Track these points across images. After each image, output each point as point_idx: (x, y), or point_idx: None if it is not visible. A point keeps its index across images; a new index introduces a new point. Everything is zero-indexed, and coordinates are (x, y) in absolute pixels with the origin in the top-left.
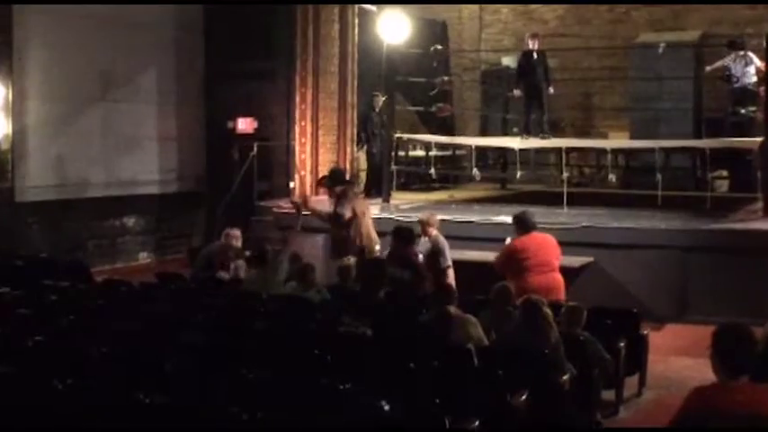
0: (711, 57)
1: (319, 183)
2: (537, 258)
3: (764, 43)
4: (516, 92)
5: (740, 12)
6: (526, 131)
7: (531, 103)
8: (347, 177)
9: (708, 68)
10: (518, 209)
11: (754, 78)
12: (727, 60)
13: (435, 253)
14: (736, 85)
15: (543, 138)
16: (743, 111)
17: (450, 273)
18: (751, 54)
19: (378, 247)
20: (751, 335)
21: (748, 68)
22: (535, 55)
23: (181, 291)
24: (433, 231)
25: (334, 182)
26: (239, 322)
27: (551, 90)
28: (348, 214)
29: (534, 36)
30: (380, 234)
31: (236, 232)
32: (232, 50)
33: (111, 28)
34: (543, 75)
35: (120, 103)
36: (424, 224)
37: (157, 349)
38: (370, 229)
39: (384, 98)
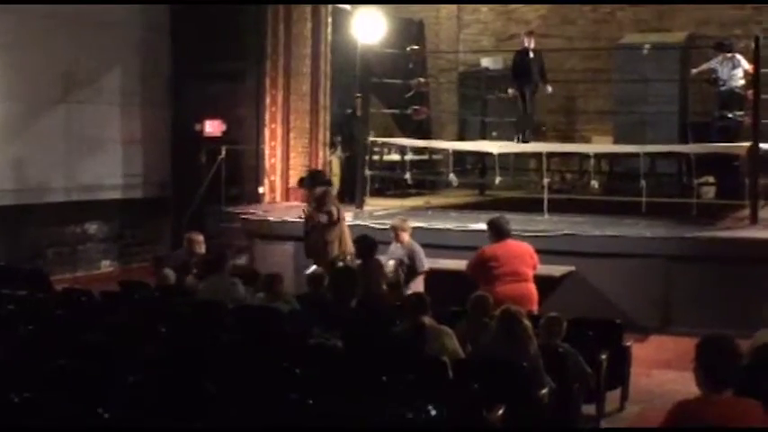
0: (698, 58)
1: (299, 184)
2: (507, 267)
3: (752, 45)
4: (510, 91)
5: (727, 12)
6: (522, 133)
7: (527, 104)
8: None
9: (694, 71)
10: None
11: (742, 81)
12: (714, 63)
13: (411, 260)
14: (723, 89)
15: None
16: (730, 115)
17: (421, 280)
18: (739, 56)
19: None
20: (735, 347)
21: (735, 71)
22: (531, 54)
23: (144, 300)
24: (406, 237)
25: (315, 183)
26: (205, 334)
27: (549, 89)
28: (335, 215)
29: (529, 34)
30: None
31: (199, 237)
32: (199, 50)
33: (74, 27)
34: (539, 74)
35: (82, 105)
36: (396, 230)
37: (119, 362)
38: (346, 234)
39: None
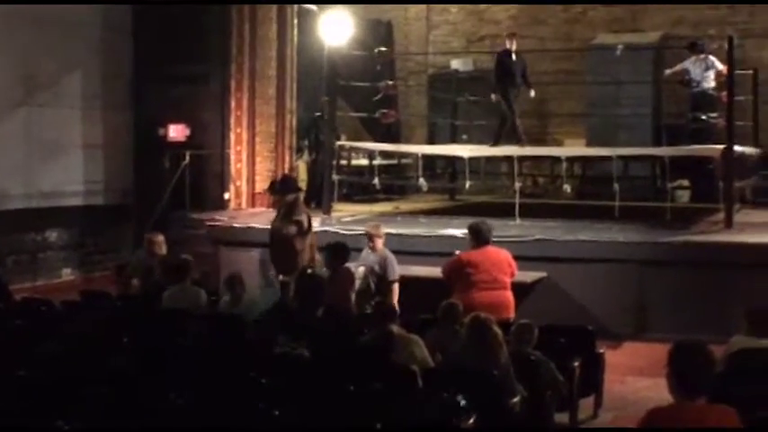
0: (672, 59)
1: (269, 190)
2: (484, 274)
3: (726, 46)
4: (494, 96)
5: (702, 13)
6: (516, 138)
7: (512, 107)
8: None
9: (667, 72)
10: (467, 221)
11: (713, 83)
12: (687, 63)
13: (382, 268)
14: (696, 90)
15: (492, 145)
16: (703, 117)
17: (396, 288)
18: (712, 58)
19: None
20: (709, 353)
21: (708, 73)
22: (513, 56)
23: (106, 310)
24: (380, 244)
25: (286, 190)
26: (167, 343)
27: (532, 93)
28: (305, 225)
29: (511, 36)
30: (318, 248)
31: (159, 237)
32: (162, 52)
33: (34, 29)
34: (522, 77)
35: (42, 108)
36: (371, 236)
37: (79, 373)
38: (314, 243)
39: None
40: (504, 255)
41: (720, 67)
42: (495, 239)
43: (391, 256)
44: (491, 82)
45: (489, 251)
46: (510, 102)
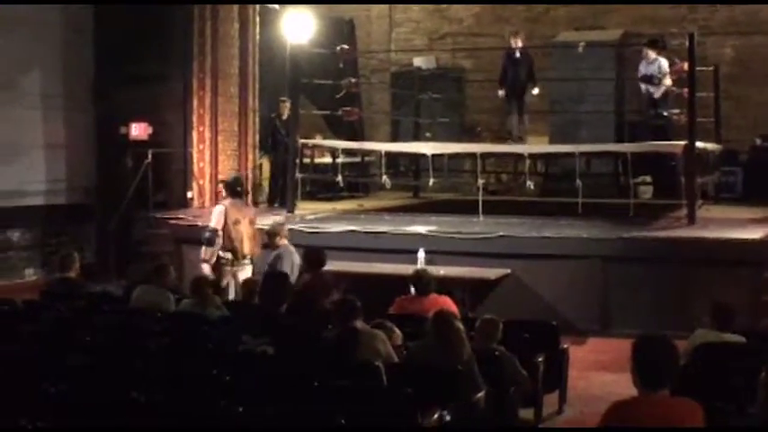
0: (633, 56)
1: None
2: None
3: (687, 43)
4: (500, 92)
5: (661, 11)
6: (508, 133)
7: (512, 104)
8: (234, 187)
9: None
10: (431, 218)
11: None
12: (641, 67)
13: (272, 266)
14: (652, 89)
15: (519, 142)
16: (665, 113)
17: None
18: (661, 59)
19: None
20: (671, 346)
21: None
22: (518, 54)
23: (68, 309)
24: (283, 242)
25: (234, 193)
26: (130, 342)
27: (536, 90)
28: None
29: (515, 34)
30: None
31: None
32: (124, 51)
33: None
34: (527, 75)
35: (2, 108)
36: (271, 235)
37: (41, 372)
38: (243, 235)
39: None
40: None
41: (666, 67)
42: (459, 236)
43: (288, 254)
44: (452, 79)
45: (432, 301)
46: (509, 98)
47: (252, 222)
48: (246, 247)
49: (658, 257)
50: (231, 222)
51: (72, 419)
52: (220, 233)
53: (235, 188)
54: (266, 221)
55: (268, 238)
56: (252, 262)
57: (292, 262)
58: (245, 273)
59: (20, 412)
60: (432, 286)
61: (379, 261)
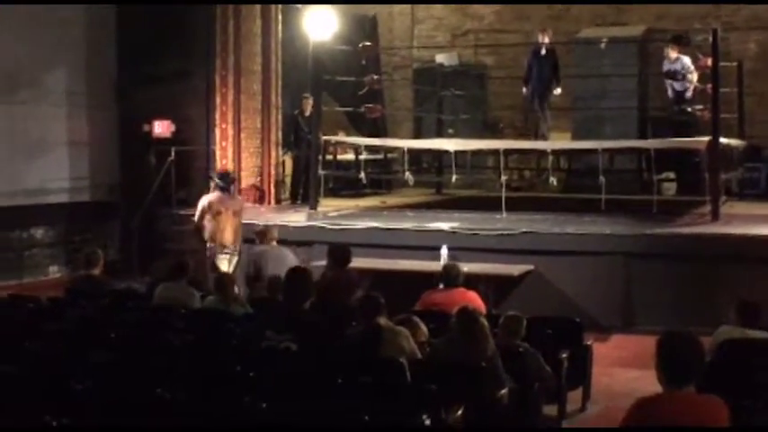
0: (656, 52)
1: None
2: None
3: (710, 39)
4: (524, 90)
5: (684, 7)
6: (535, 132)
7: (535, 102)
8: (220, 180)
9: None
10: (454, 214)
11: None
12: (666, 65)
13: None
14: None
15: (542, 139)
16: (689, 109)
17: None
18: (685, 59)
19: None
20: (697, 343)
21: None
22: (544, 51)
23: (93, 306)
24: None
25: (225, 186)
26: (155, 338)
27: (558, 90)
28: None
29: (543, 31)
30: (306, 243)
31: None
32: (147, 49)
33: (16, 27)
34: (551, 73)
35: (26, 106)
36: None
37: (67, 369)
38: (223, 226)
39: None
40: (472, 297)
41: (689, 64)
42: (482, 233)
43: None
44: (474, 76)
45: (456, 294)
46: (533, 97)
47: (236, 214)
48: (227, 238)
49: (682, 254)
50: (213, 213)
51: (97, 416)
52: (203, 225)
53: (220, 181)
54: (287, 218)
55: (257, 237)
56: (238, 253)
57: (281, 262)
58: (226, 263)
59: (45, 409)
60: (460, 279)
61: (402, 258)
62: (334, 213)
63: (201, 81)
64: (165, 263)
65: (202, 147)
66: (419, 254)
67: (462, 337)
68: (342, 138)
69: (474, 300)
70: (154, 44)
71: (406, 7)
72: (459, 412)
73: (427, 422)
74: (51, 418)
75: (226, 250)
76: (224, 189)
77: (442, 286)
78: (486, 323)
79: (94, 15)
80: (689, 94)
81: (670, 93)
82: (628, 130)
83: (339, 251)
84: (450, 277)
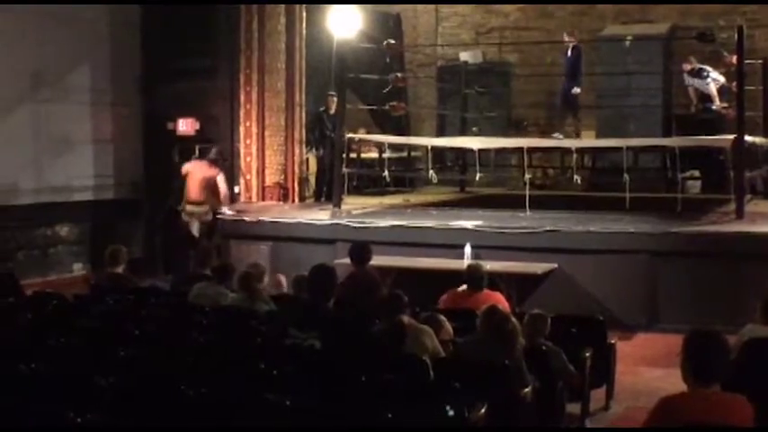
0: (681, 50)
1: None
2: None
3: (735, 36)
4: (576, 90)
5: (709, 4)
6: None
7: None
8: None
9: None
10: (478, 213)
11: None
12: (687, 80)
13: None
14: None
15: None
16: (714, 107)
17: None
18: (707, 68)
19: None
20: (723, 341)
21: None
22: (569, 52)
23: (118, 303)
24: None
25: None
26: (180, 336)
27: (577, 90)
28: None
29: (570, 33)
30: (329, 241)
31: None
32: (171, 47)
33: (41, 25)
34: (570, 73)
35: (51, 104)
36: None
37: (92, 366)
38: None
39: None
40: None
41: (717, 76)
42: (505, 231)
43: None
44: (498, 73)
45: (482, 297)
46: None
47: (205, 178)
48: (191, 196)
49: (706, 252)
50: (183, 175)
51: (120, 413)
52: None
53: (201, 151)
54: (311, 216)
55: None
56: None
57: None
58: (196, 226)
59: (69, 406)
60: (485, 282)
61: (426, 256)
62: (358, 211)
63: (226, 79)
64: (189, 261)
65: (226, 144)
66: (443, 252)
67: (492, 337)
68: (365, 135)
69: (499, 302)
70: (178, 42)
71: (431, 5)
72: (483, 410)
73: (451, 420)
74: (75, 415)
75: (188, 207)
76: (202, 158)
77: (465, 287)
78: (517, 324)
79: (119, 13)
80: (713, 91)
81: (699, 90)
82: (652, 128)
83: (357, 250)
84: (473, 279)
